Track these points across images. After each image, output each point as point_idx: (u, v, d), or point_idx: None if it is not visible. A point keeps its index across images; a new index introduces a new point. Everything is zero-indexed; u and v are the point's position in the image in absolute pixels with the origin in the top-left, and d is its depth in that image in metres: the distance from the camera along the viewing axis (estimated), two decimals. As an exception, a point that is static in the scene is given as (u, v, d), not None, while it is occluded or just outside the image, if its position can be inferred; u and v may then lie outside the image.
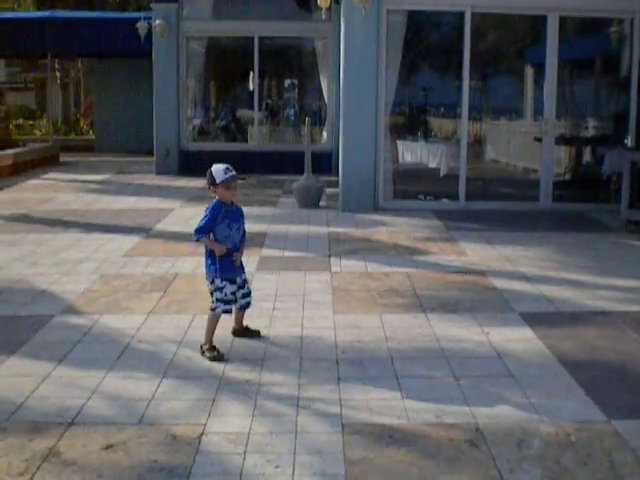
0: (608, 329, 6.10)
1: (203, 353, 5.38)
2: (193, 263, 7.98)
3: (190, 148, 16.80)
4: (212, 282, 5.48)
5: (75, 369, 5.12)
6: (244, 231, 5.62)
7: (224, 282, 5.44)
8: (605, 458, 3.94)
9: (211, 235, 5.42)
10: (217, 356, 5.32)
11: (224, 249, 5.39)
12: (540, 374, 5.13)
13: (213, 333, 5.46)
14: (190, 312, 6.34)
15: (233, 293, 5.50)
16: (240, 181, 5.57)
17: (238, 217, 5.54)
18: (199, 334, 5.56)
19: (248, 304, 5.69)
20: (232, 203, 5.52)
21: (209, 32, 17.01)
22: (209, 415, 4.39)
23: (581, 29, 13.31)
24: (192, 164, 16.05)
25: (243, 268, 5.63)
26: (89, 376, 4.99)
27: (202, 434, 4.15)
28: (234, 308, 5.60)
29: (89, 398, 4.63)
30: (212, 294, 5.50)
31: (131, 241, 9.29)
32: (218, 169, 5.40)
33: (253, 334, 5.79)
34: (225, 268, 5.44)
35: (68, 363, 5.23)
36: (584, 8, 11.77)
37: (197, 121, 18.25)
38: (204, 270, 5.58)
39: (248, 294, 5.67)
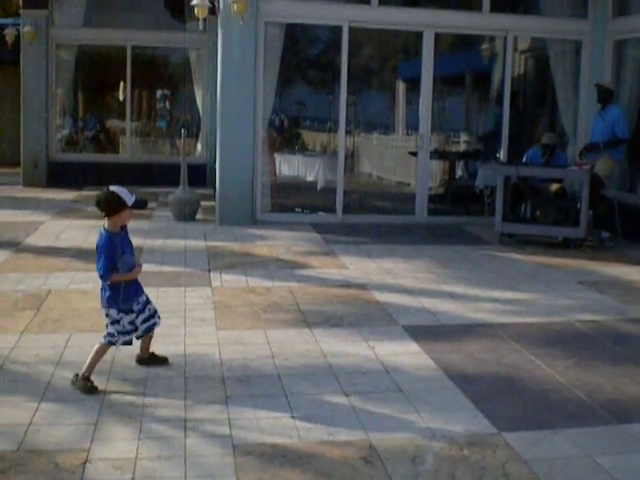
0: (491, 341, 6.18)
1: (75, 382, 4.88)
2: (66, 279, 7.69)
3: (59, 159, 16.16)
4: (107, 314, 5.01)
5: (-57, 394, 4.78)
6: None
7: (120, 314, 5.00)
8: (499, 471, 3.94)
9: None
10: (90, 389, 4.83)
11: (139, 270, 5.03)
12: (429, 388, 5.12)
13: (95, 366, 4.96)
14: (66, 331, 6.03)
15: (131, 322, 5.07)
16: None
17: (129, 239, 5.11)
18: (76, 354, 5.26)
19: (154, 325, 5.24)
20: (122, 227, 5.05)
21: (80, 40, 16.42)
22: (92, 440, 4.15)
23: (455, 46, 13.62)
24: (62, 176, 15.42)
25: (142, 290, 5.19)
26: (-41, 401, 4.66)
27: (86, 461, 3.91)
28: (134, 338, 5.15)
29: (-41, 425, 4.32)
30: (107, 326, 5.03)
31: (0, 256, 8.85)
32: (123, 190, 4.88)
33: (160, 361, 5.37)
34: (127, 298, 5.01)
35: None
36: (460, 25, 12.00)
37: (66, 131, 17.63)
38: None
39: (152, 315, 5.21)
